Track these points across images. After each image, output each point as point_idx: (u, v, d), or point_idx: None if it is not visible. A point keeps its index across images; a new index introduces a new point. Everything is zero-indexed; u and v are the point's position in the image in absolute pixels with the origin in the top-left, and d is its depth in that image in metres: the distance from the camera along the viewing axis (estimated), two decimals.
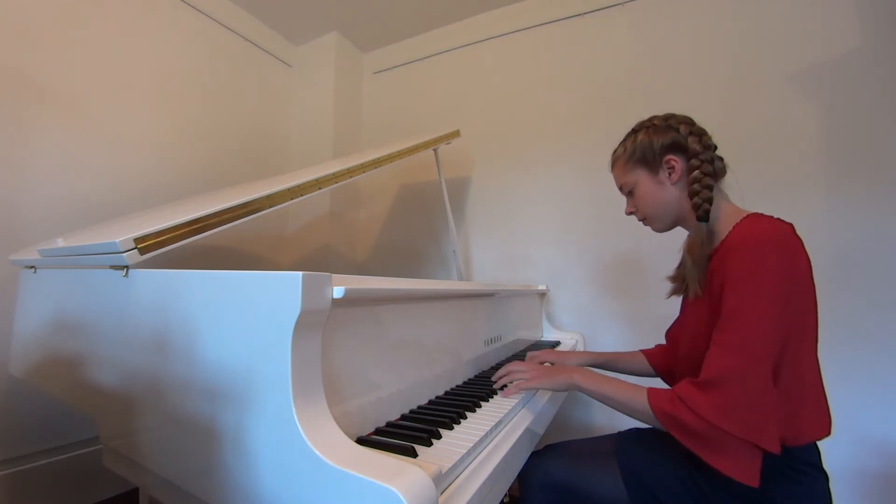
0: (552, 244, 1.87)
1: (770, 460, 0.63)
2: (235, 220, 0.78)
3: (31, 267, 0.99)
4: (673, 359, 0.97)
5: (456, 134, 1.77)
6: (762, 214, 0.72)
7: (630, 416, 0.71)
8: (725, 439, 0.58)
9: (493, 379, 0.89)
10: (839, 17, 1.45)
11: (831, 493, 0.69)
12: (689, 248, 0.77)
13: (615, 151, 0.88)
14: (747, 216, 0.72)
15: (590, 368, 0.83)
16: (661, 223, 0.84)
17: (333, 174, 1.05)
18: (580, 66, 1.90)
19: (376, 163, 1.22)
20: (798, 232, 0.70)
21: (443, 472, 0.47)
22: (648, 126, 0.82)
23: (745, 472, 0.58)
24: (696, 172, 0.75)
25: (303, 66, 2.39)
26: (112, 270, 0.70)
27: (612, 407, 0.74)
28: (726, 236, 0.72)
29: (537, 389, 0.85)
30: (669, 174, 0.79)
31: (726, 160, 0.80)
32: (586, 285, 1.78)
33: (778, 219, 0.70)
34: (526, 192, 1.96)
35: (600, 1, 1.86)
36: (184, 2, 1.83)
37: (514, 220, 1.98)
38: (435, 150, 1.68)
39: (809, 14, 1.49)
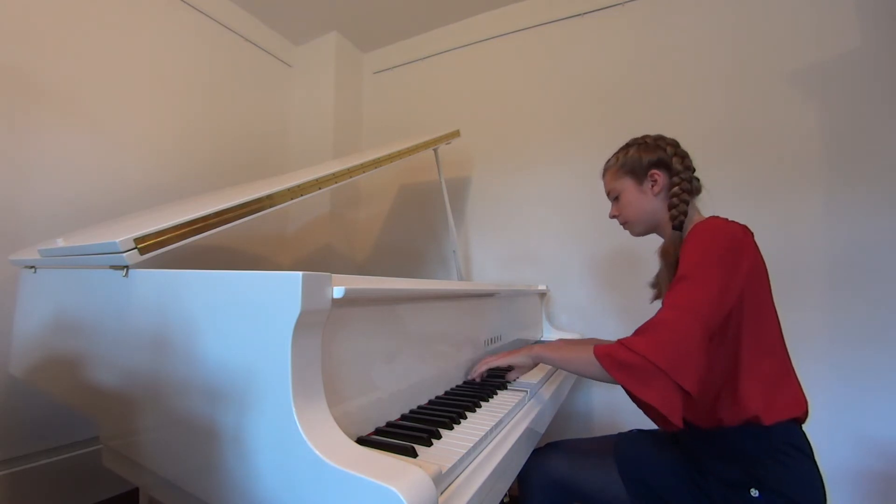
0: (552, 244, 1.87)
1: (753, 442, 0.69)
2: (235, 220, 0.78)
3: (31, 267, 0.99)
4: None
5: (456, 134, 1.77)
6: (718, 216, 0.81)
7: (582, 373, 0.76)
8: (653, 373, 0.63)
9: (471, 377, 0.94)
10: (839, 17, 1.45)
11: (824, 482, 0.69)
12: (663, 253, 0.89)
13: (608, 161, 0.98)
14: (706, 218, 0.82)
15: (548, 342, 0.90)
16: (639, 228, 0.94)
17: (333, 174, 1.05)
18: (580, 66, 1.90)
19: (376, 163, 1.22)
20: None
21: (443, 472, 0.47)
22: (640, 143, 0.92)
23: (668, 406, 0.62)
24: (676, 188, 0.86)
25: (303, 66, 2.39)
26: (112, 270, 0.70)
27: (570, 371, 0.79)
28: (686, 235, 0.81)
29: (505, 364, 0.91)
30: (652, 186, 0.89)
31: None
32: (586, 285, 1.78)
33: (732, 220, 0.78)
34: (526, 192, 1.96)
35: (600, 1, 1.86)
36: (184, 2, 1.83)
37: (514, 220, 1.98)
38: (435, 150, 1.68)
39: (809, 14, 1.49)
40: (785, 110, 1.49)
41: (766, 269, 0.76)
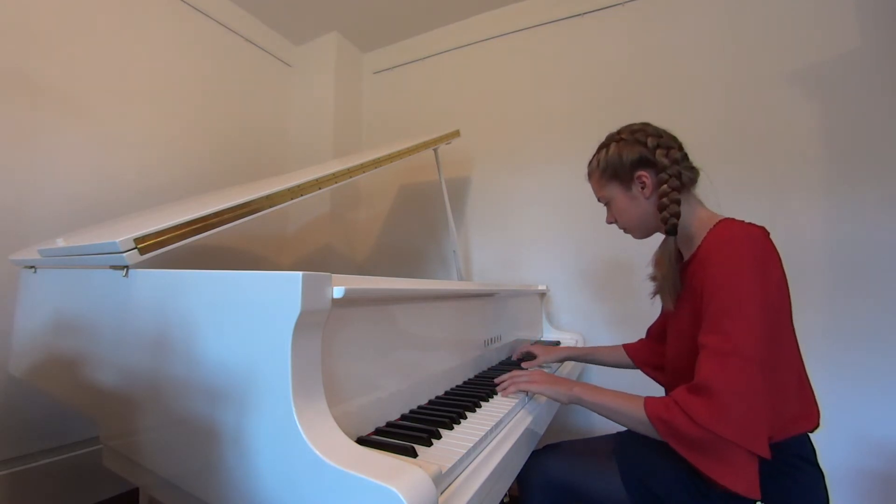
0: (552, 244, 1.87)
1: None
2: (235, 220, 0.78)
3: (32, 267, 0.99)
4: (652, 352, 1.02)
5: (456, 134, 1.77)
6: (734, 219, 0.74)
7: (628, 426, 0.71)
8: (720, 445, 0.58)
9: (496, 381, 0.90)
10: (839, 17, 1.45)
11: (828, 490, 0.69)
12: (657, 263, 0.82)
13: (590, 164, 0.90)
14: (720, 221, 0.74)
15: (588, 383, 0.85)
16: (639, 233, 0.87)
17: (333, 174, 1.05)
18: (580, 66, 1.90)
19: (376, 163, 1.22)
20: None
21: (443, 472, 0.47)
22: (618, 140, 0.83)
23: (745, 482, 0.57)
24: (663, 187, 0.76)
25: (303, 66, 2.39)
26: (112, 270, 0.70)
27: (611, 418, 0.73)
28: (702, 241, 0.75)
29: (537, 394, 0.86)
30: (642, 188, 0.80)
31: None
32: (586, 285, 1.78)
33: (750, 223, 0.72)
34: (526, 192, 1.96)
35: (600, 1, 1.86)
36: (184, 2, 1.83)
37: (514, 220, 1.98)
38: (435, 150, 1.68)
39: (809, 14, 1.49)
40: (785, 110, 1.49)
41: (786, 279, 0.70)
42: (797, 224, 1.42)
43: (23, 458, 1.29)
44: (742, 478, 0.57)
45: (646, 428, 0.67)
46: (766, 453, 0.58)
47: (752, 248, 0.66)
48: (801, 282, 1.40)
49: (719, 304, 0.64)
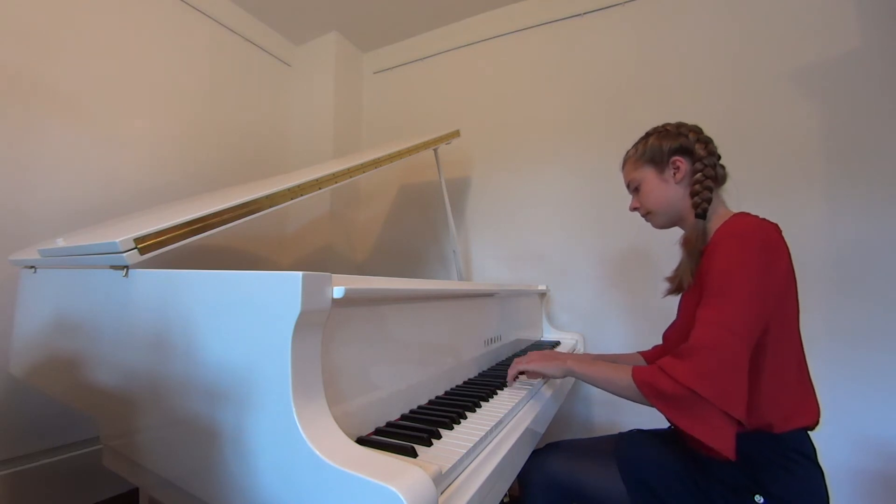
0: (552, 244, 1.87)
1: (762, 448, 0.67)
2: (235, 220, 0.78)
3: (31, 267, 0.99)
4: None
5: (456, 134, 1.77)
6: (748, 213, 0.78)
7: (618, 394, 0.74)
8: (700, 404, 0.61)
9: (508, 379, 0.92)
10: (839, 17, 1.45)
11: (828, 489, 0.69)
12: (685, 242, 0.85)
13: (627, 152, 0.94)
14: (734, 215, 0.78)
15: (580, 354, 0.86)
16: (661, 219, 0.89)
17: (333, 174, 1.05)
18: (580, 66, 1.90)
19: (376, 163, 1.22)
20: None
21: (443, 472, 0.47)
22: (661, 131, 0.89)
23: (719, 439, 0.60)
24: (699, 175, 0.82)
25: (303, 66, 2.39)
26: (112, 270, 0.70)
27: (602, 388, 0.77)
28: (714, 233, 0.78)
29: (535, 372, 0.89)
30: (674, 173, 0.85)
31: (727, 159, 0.86)
32: (586, 285, 1.78)
33: (763, 218, 0.75)
34: (526, 191, 1.96)
35: (601, 1, 1.86)
36: (184, 2, 1.83)
37: (514, 219, 1.98)
38: (435, 150, 1.68)
39: (809, 14, 1.49)
40: (787, 110, 1.49)
41: (794, 272, 0.73)
42: (798, 223, 1.42)
43: (23, 458, 1.29)
44: (719, 436, 0.60)
45: (634, 394, 0.70)
46: (741, 416, 0.60)
47: (757, 236, 0.69)
48: (802, 281, 1.39)
49: (716, 284, 0.68)
